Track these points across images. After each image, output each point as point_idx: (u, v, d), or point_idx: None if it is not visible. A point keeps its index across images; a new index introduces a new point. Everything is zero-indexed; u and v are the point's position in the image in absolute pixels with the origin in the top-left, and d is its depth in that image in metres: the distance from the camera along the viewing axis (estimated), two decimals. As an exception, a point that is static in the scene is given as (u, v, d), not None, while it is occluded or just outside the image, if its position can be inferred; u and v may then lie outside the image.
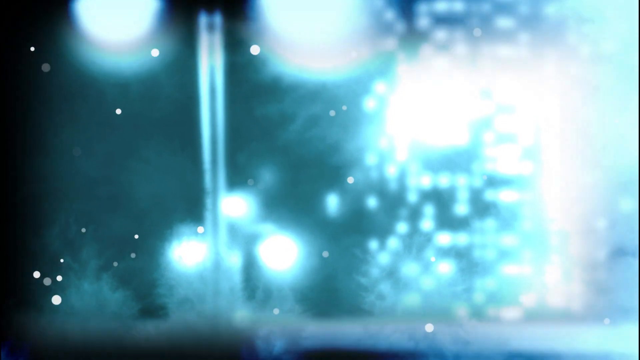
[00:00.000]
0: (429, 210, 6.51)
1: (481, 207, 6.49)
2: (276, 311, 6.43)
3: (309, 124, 6.49)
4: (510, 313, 6.45)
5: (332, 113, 6.15)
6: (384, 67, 6.47)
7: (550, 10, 6.38)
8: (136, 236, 6.45)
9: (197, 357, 6.44)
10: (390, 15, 6.45)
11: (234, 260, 6.51)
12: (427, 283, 6.47)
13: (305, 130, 6.49)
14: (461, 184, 6.50)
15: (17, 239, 6.49)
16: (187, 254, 6.50)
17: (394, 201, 6.51)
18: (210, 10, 6.52)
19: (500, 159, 6.49)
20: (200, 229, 6.37)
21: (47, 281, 6.43)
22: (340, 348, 6.44)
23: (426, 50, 6.46)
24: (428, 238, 6.48)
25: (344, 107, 6.26)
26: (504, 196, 6.48)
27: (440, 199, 6.51)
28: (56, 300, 6.38)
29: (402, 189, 6.52)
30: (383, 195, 6.51)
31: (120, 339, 6.46)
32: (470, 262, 6.47)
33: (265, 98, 6.50)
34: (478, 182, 6.49)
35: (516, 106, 6.47)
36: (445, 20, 6.44)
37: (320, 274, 6.51)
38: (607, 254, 6.39)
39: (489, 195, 6.49)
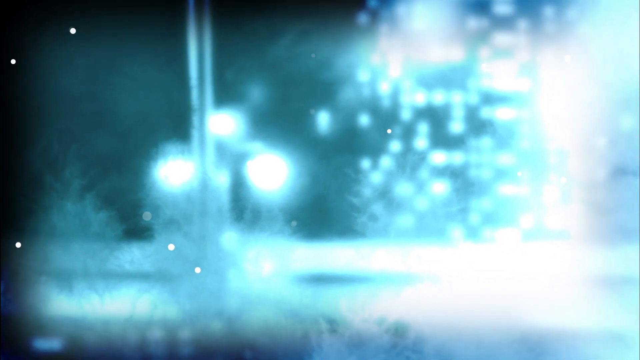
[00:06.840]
0: (423, 128, 6.30)
1: (477, 125, 6.28)
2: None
3: (299, 39, 6.27)
4: (506, 234, 6.25)
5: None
6: (376, -21, 6.25)
7: None
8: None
9: (182, 280, 6.24)
10: None
11: (221, 180, 6.31)
12: (421, 203, 6.27)
13: (295, 45, 6.27)
14: (456, 102, 6.29)
15: (-2, 159, 6.30)
16: (173, 173, 6.29)
17: (386, 119, 6.30)
18: None
19: (496, 75, 6.28)
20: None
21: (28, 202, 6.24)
22: (331, 270, 6.24)
23: (420, -38, 6.25)
24: (422, 157, 6.27)
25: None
26: (500, 114, 6.27)
27: (435, 116, 6.30)
28: None
29: (396, 106, 6.30)
30: (375, 112, 6.30)
31: (104, 260, 6.26)
32: (465, 182, 6.27)
33: (253, 11, 6.28)
34: (474, 99, 6.28)
35: (513, 21, 6.26)
36: None
37: (310, 194, 6.30)
38: (607, 174, 6.19)
39: (485, 112, 6.28)
